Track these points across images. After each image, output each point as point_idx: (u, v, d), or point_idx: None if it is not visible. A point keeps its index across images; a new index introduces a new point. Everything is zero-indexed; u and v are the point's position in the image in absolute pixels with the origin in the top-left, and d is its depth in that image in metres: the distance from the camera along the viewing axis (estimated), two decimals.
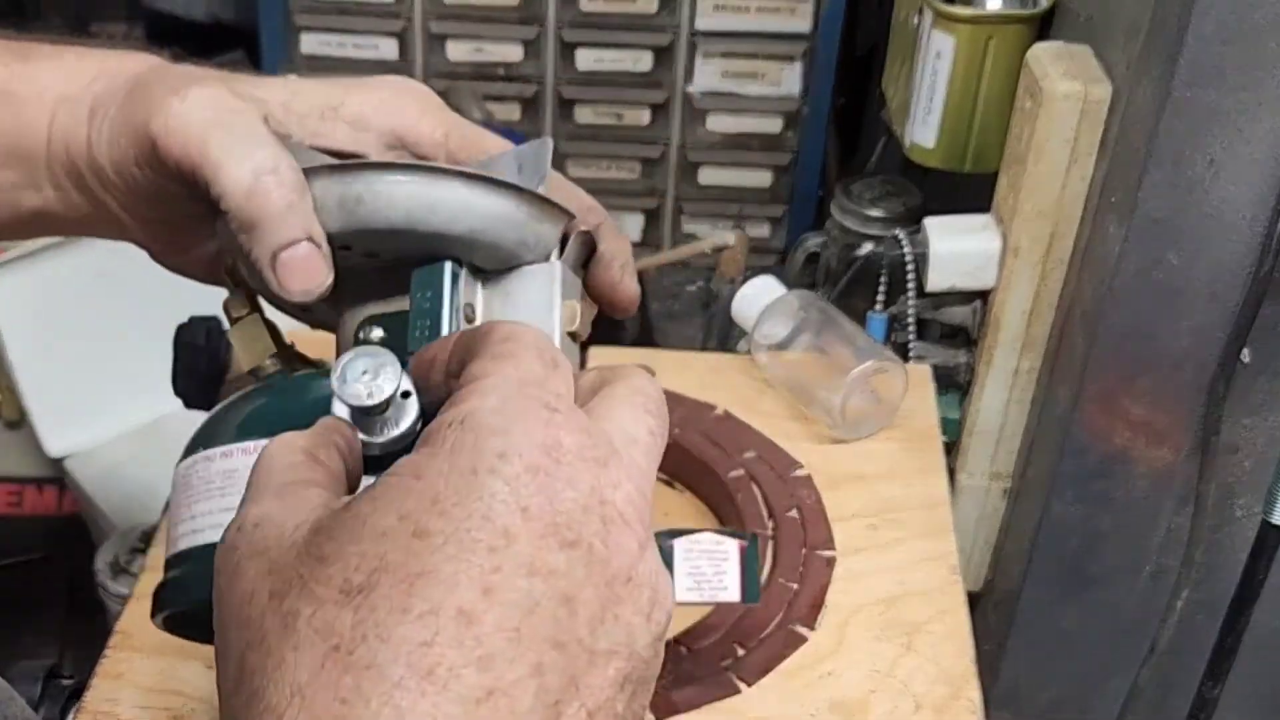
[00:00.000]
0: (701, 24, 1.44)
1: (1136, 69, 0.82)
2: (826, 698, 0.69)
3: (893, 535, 0.80)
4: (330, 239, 0.47)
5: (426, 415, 0.42)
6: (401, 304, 0.48)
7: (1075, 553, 0.96)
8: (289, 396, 0.54)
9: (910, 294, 1.03)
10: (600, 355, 0.85)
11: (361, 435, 0.43)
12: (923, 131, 1.04)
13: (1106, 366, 0.88)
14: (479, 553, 0.34)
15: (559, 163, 1.50)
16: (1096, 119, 0.87)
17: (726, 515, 0.81)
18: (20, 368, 1.24)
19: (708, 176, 1.53)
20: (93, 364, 1.24)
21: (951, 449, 1.02)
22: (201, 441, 0.53)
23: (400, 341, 0.48)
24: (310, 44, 1.47)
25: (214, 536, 0.39)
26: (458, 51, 1.46)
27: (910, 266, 1.03)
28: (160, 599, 0.53)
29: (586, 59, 1.46)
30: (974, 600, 0.96)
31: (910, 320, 1.04)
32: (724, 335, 1.24)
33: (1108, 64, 0.88)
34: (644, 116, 1.49)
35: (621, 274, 0.54)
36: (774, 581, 0.75)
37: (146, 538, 1.05)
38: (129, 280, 1.10)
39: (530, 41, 1.45)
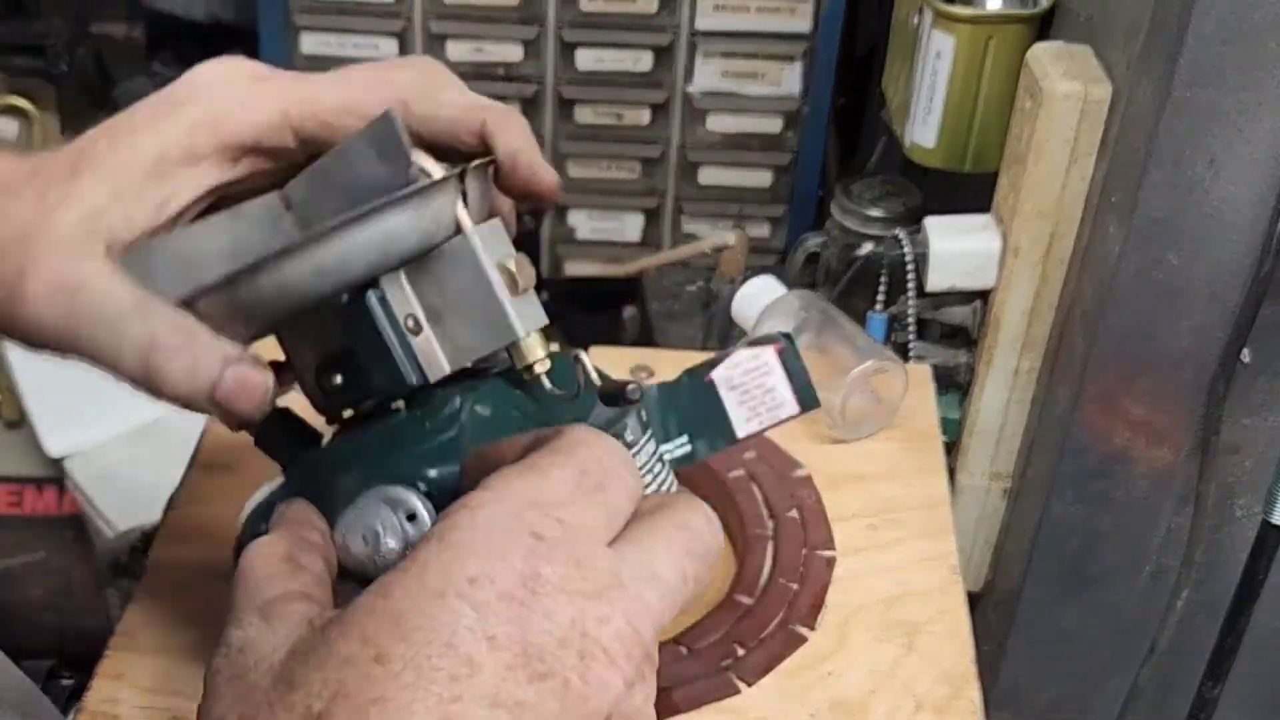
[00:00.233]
0: (701, 24, 1.44)
1: (1136, 69, 0.82)
2: (827, 698, 0.69)
3: (893, 535, 0.80)
4: (249, 338, 0.47)
5: None
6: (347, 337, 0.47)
7: (1075, 553, 0.96)
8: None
9: (910, 294, 1.03)
10: (601, 355, 0.85)
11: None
12: (923, 131, 1.04)
13: (1106, 366, 0.88)
14: (439, 681, 0.33)
15: (559, 163, 1.50)
16: (1096, 119, 0.87)
17: (726, 515, 0.81)
18: (20, 368, 1.24)
19: (708, 176, 1.53)
20: None
21: (951, 449, 1.02)
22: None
23: (364, 382, 0.47)
24: (310, 44, 1.47)
25: None
26: (458, 51, 1.46)
27: (910, 266, 1.03)
28: None
29: (586, 59, 1.46)
30: (974, 600, 0.96)
31: (910, 320, 1.04)
32: (724, 335, 1.24)
33: (1108, 64, 0.88)
34: (644, 116, 1.49)
35: (530, 168, 0.50)
36: (774, 581, 0.75)
37: (146, 538, 1.05)
38: None
39: (530, 41, 1.45)
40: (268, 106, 0.47)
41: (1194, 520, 0.91)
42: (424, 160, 0.47)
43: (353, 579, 0.43)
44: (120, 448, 1.27)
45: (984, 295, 0.99)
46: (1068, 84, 0.87)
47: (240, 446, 0.53)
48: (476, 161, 0.48)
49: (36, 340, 0.47)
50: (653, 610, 0.38)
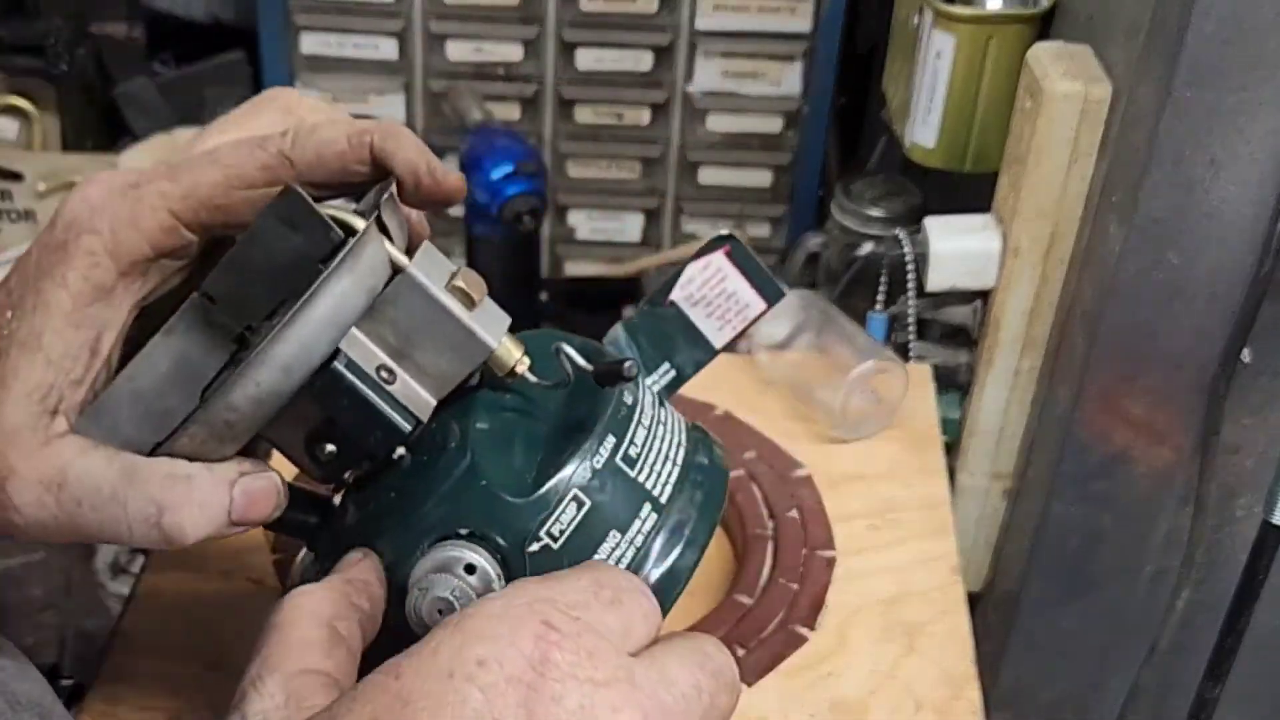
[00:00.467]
0: (701, 24, 1.44)
1: (1136, 69, 0.82)
2: (827, 698, 0.69)
3: (893, 535, 0.80)
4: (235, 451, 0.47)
5: None
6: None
7: (1075, 553, 0.96)
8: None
9: (910, 294, 1.03)
10: None
11: None
12: (923, 131, 1.04)
13: (1107, 366, 0.88)
14: None
15: (559, 163, 1.50)
16: (1096, 119, 0.87)
17: (727, 515, 0.81)
18: None
19: (708, 176, 1.53)
20: None
21: (951, 449, 1.02)
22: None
23: (359, 445, 0.47)
24: (310, 44, 1.47)
25: None
26: (458, 51, 1.46)
27: (910, 266, 1.03)
28: None
29: (586, 59, 1.46)
30: (974, 600, 0.96)
31: (910, 320, 1.04)
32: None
33: (1108, 64, 0.88)
34: (644, 116, 1.49)
35: (432, 176, 0.48)
36: (774, 581, 0.75)
37: None
38: None
39: (530, 41, 1.45)
40: (153, 215, 0.46)
41: (1194, 520, 0.91)
42: (338, 214, 0.47)
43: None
44: None
45: (984, 295, 0.99)
46: (1068, 84, 0.87)
47: None
48: (384, 194, 0.47)
49: (42, 539, 0.46)
50: (669, 711, 0.38)
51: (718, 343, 0.57)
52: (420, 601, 0.45)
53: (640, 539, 0.47)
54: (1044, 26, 0.99)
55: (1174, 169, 0.79)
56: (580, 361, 0.49)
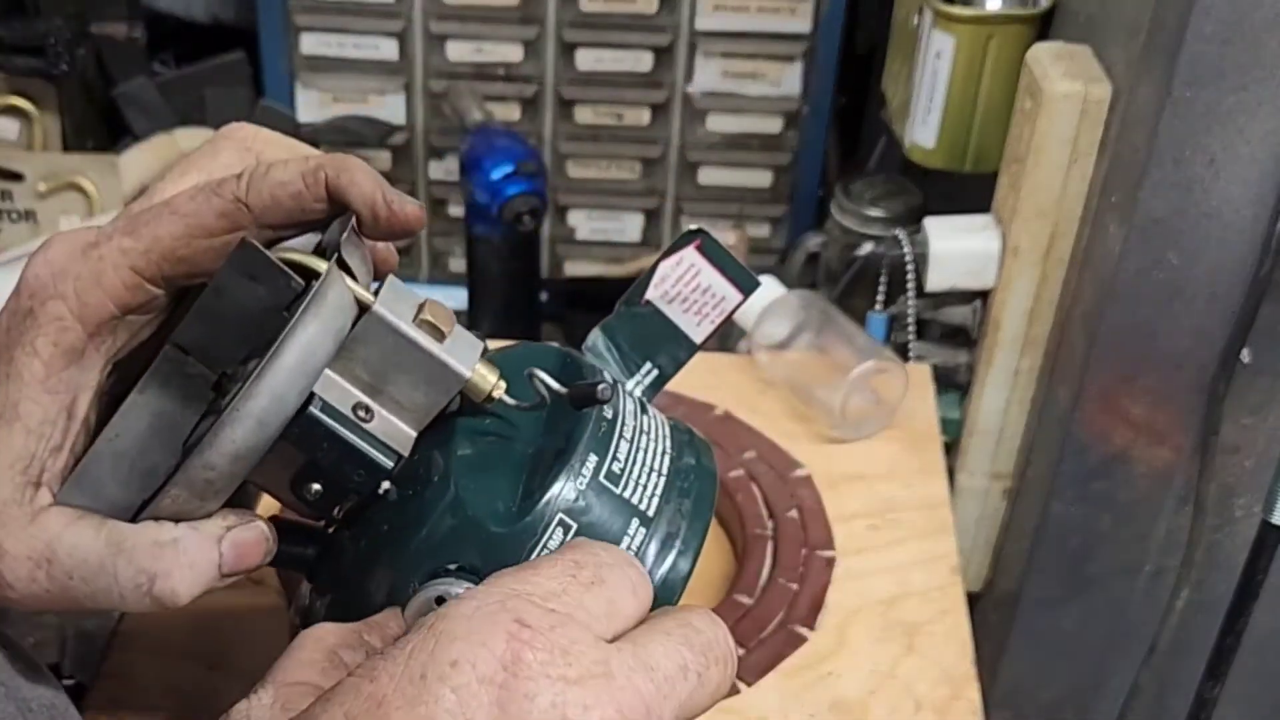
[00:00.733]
0: (701, 24, 1.44)
1: (1136, 69, 0.82)
2: (827, 698, 0.69)
3: (893, 535, 0.80)
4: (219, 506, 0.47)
5: None
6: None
7: (1075, 553, 0.96)
8: None
9: (910, 294, 1.03)
10: None
11: None
12: (923, 131, 1.04)
13: (1106, 366, 0.88)
14: None
15: (559, 163, 1.50)
16: (1096, 119, 0.87)
17: (726, 515, 0.81)
18: None
19: (708, 176, 1.53)
20: None
21: (951, 449, 1.02)
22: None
23: (343, 484, 0.47)
24: (310, 44, 1.47)
25: None
26: (458, 51, 1.46)
27: (910, 266, 1.03)
28: None
29: (586, 59, 1.46)
30: (974, 600, 0.96)
31: (910, 320, 1.04)
32: (724, 335, 1.24)
33: (1108, 64, 0.88)
34: (644, 116, 1.49)
35: (389, 208, 0.47)
36: (774, 581, 0.75)
37: None
38: None
39: (530, 41, 1.45)
40: (115, 274, 0.46)
41: (1194, 520, 0.91)
42: (298, 257, 0.46)
43: None
44: None
45: (984, 295, 0.99)
46: (1068, 84, 0.87)
47: None
48: (344, 231, 0.47)
49: (39, 610, 0.46)
50: (647, 699, 0.38)
51: (697, 338, 0.57)
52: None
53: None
54: (1044, 26, 0.99)
55: (1174, 169, 0.79)
56: (554, 386, 0.49)
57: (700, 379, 0.88)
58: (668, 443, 0.52)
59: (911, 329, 1.04)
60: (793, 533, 0.78)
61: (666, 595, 0.47)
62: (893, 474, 0.85)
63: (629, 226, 1.56)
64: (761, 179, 1.53)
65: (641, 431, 0.51)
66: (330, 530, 0.51)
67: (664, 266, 0.55)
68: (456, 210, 1.54)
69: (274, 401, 0.44)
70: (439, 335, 0.47)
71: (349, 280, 0.46)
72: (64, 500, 0.46)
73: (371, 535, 0.48)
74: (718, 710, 0.66)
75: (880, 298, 1.07)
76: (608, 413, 0.50)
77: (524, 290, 1.37)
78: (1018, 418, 1.00)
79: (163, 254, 0.46)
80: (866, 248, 1.09)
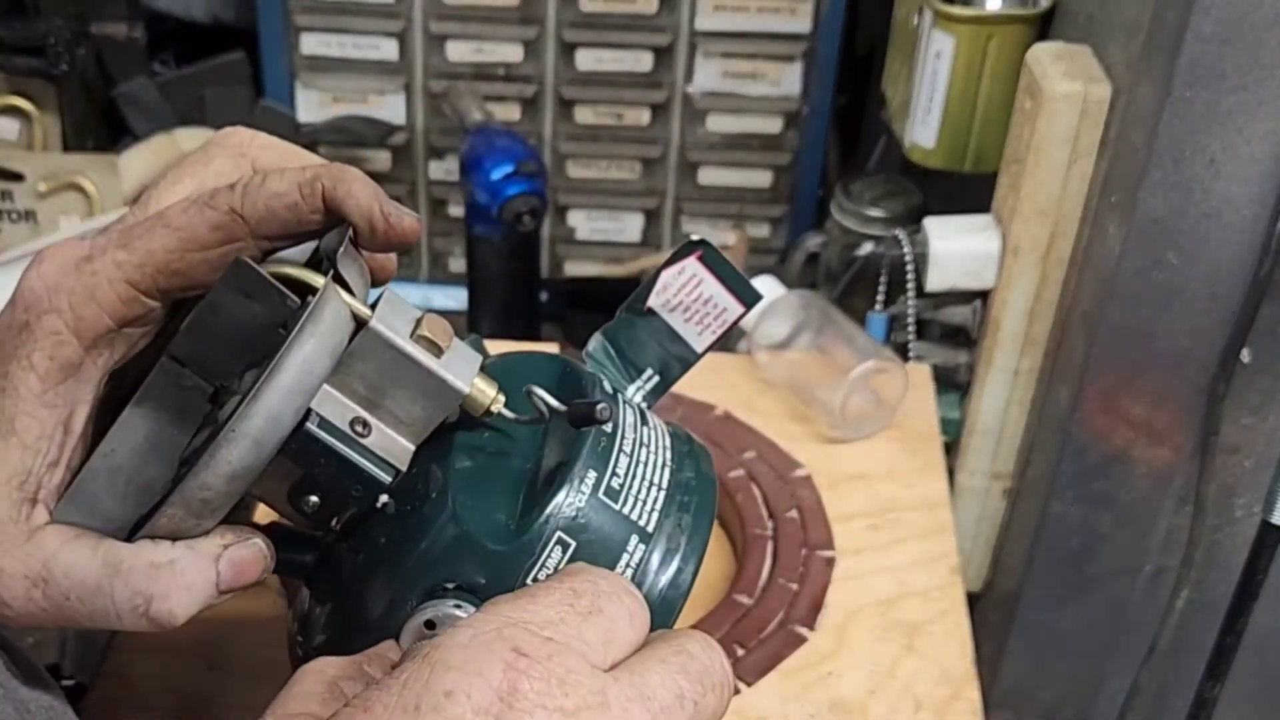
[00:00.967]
0: (701, 24, 1.44)
1: (1136, 69, 0.82)
2: (826, 698, 0.69)
3: (893, 535, 0.80)
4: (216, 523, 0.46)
5: None
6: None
7: (1075, 553, 0.96)
8: None
9: (910, 294, 1.03)
10: None
11: None
12: (923, 131, 1.04)
13: (1106, 366, 0.88)
14: None
15: (559, 163, 1.50)
16: (1096, 119, 0.87)
17: (727, 515, 0.81)
18: None
19: (708, 176, 1.53)
20: None
21: (951, 449, 1.02)
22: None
23: (341, 498, 0.47)
24: (310, 44, 1.47)
25: None
26: (458, 51, 1.46)
27: (910, 266, 1.03)
28: None
29: (586, 59, 1.46)
30: (974, 600, 0.96)
31: (910, 320, 1.04)
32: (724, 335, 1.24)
33: (1108, 64, 0.88)
34: (644, 116, 1.49)
35: (386, 220, 0.46)
36: (774, 581, 0.75)
37: None
38: None
39: (530, 41, 1.45)
40: (111, 288, 0.45)
41: (1194, 520, 0.91)
42: (295, 272, 0.46)
43: None
44: None
45: (984, 295, 0.99)
46: (1068, 84, 0.87)
47: None
48: (340, 245, 0.47)
49: (35, 627, 0.46)
50: None
51: (699, 347, 0.57)
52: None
53: (630, 572, 0.47)
54: (1044, 26, 0.99)
55: (1173, 169, 0.79)
56: (553, 404, 0.49)
57: (700, 379, 0.88)
58: (668, 454, 0.51)
59: (911, 329, 1.04)
60: (793, 533, 0.78)
61: (666, 611, 0.47)
62: (893, 474, 0.85)
63: (629, 226, 1.56)
64: (761, 179, 1.53)
65: (641, 444, 0.51)
66: (329, 540, 0.50)
67: (666, 275, 0.55)
68: (456, 210, 1.54)
69: (270, 422, 0.43)
70: (437, 350, 0.46)
71: (345, 295, 0.46)
72: (60, 517, 0.46)
73: (369, 548, 0.48)
74: None
75: (880, 298, 1.07)
76: (607, 426, 0.50)
77: (524, 290, 1.37)
78: (1017, 418, 1.00)
79: (157, 267, 0.45)
80: (866, 248, 1.09)
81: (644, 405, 0.55)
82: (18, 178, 1.36)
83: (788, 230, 1.55)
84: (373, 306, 0.46)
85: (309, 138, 1.47)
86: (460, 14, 1.44)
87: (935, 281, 0.99)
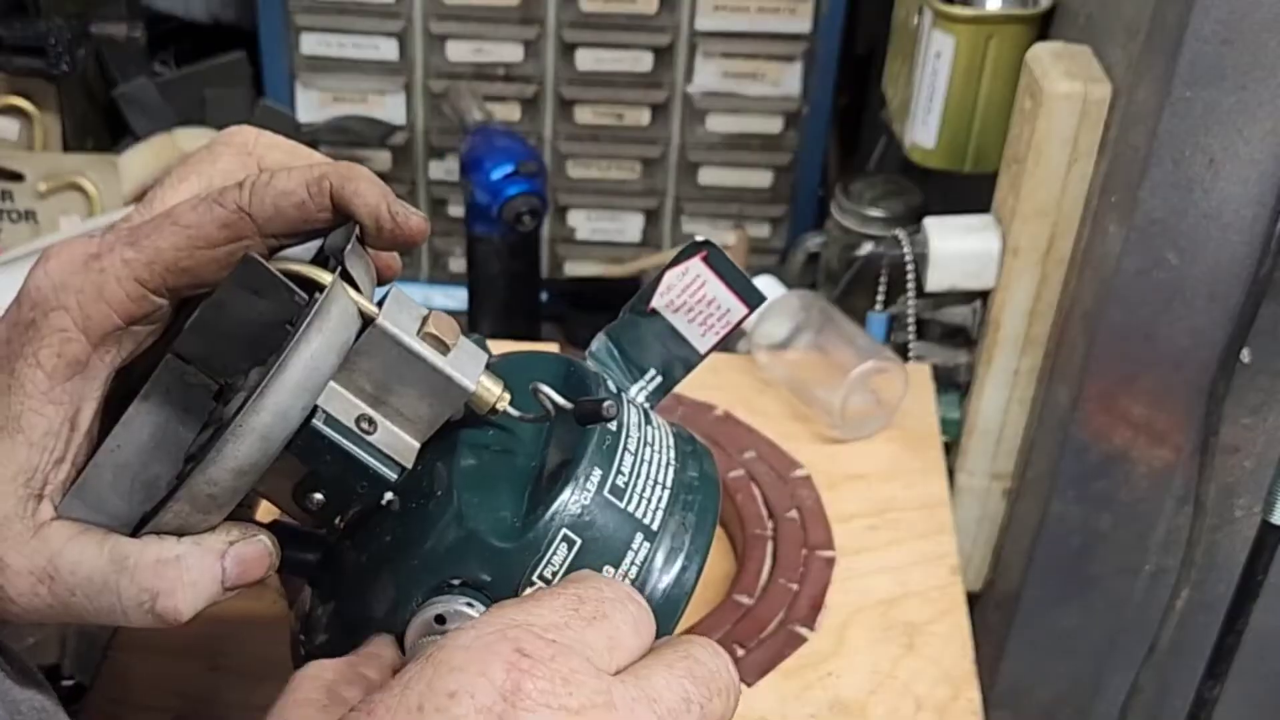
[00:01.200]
0: (701, 24, 1.44)
1: (1136, 69, 0.82)
2: (826, 698, 0.69)
3: (893, 535, 0.80)
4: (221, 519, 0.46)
5: None
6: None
7: (1075, 553, 0.96)
8: None
9: (910, 294, 1.03)
10: None
11: None
12: (923, 131, 1.04)
13: (1106, 366, 0.88)
14: None
15: (559, 163, 1.50)
16: (1096, 119, 0.87)
17: (727, 515, 0.81)
18: None
19: (708, 176, 1.53)
20: None
21: (951, 449, 1.02)
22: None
23: (346, 495, 0.47)
24: (310, 44, 1.47)
25: None
26: (458, 51, 1.46)
27: (910, 266, 1.03)
28: None
29: (586, 59, 1.46)
30: (974, 600, 0.96)
31: (910, 320, 1.04)
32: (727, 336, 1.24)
33: (1108, 64, 0.88)
34: (644, 116, 1.49)
35: (393, 219, 0.46)
36: (774, 581, 0.75)
37: None
38: None
39: (530, 41, 1.45)
40: (119, 286, 0.45)
41: (1194, 520, 0.91)
42: (303, 269, 0.46)
43: None
44: None
45: (984, 295, 0.99)
46: (1068, 84, 0.87)
47: None
48: (347, 242, 0.47)
49: (41, 623, 0.46)
50: None
51: (702, 348, 0.57)
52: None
53: (634, 570, 0.47)
54: (1044, 26, 0.99)
55: (1173, 169, 0.79)
56: (560, 401, 0.49)
57: (700, 379, 0.88)
58: (671, 454, 0.52)
59: (911, 329, 1.04)
60: (793, 533, 0.78)
61: (670, 610, 0.47)
62: (893, 474, 0.85)
63: (629, 226, 1.56)
64: (761, 179, 1.53)
65: (645, 443, 0.51)
66: (333, 538, 0.50)
67: (670, 276, 0.55)
68: (456, 210, 1.54)
69: (277, 418, 0.44)
70: (443, 348, 0.47)
71: (352, 292, 0.46)
72: (65, 513, 0.46)
73: (374, 546, 0.48)
74: None
75: (880, 298, 1.07)
76: (612, 425, 0.50)
77: (524, 290, 1.37)
78: (1017, 418, 1.00)
79: (165, 265, 0.45)
80: (866, 248, 1.09)
81: (647, 405, 0.55)
82: (18, 178, 1.36)
83: (788, 230, 1.55)
84: (379, 304, 0.46)
85: (309, 138, 1.47)
86: (460, 14, 1.44)
87: (935, 281, 0.99)
